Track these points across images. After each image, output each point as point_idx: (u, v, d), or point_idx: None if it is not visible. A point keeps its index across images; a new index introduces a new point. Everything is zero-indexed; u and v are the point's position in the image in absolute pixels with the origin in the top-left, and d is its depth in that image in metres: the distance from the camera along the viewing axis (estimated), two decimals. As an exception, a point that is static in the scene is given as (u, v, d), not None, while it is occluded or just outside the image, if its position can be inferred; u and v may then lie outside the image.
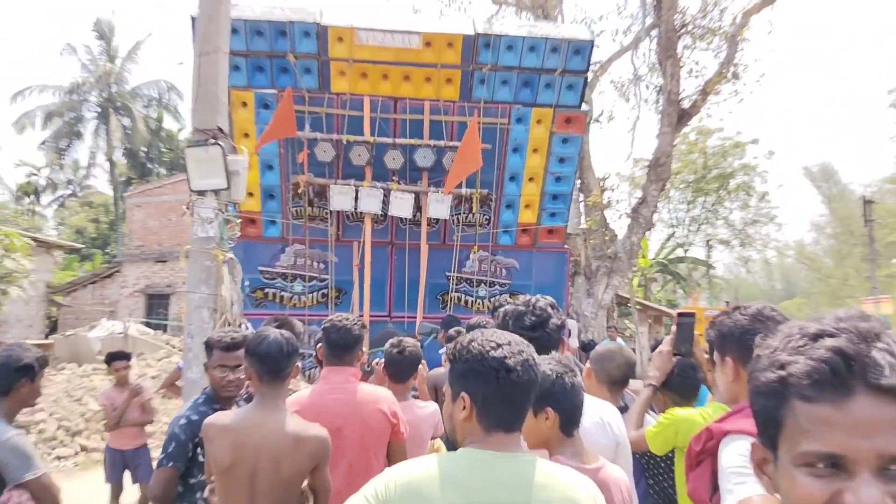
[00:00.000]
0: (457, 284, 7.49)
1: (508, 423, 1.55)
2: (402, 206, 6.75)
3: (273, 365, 2.47)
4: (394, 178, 6.87)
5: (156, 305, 21.80)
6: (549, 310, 2.24)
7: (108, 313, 20.52)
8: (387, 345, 3.56)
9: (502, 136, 7.06)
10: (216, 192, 4.01)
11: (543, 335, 2.18)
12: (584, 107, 7.15)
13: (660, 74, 14.79)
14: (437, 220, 7.22)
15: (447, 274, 7.45)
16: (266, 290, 7.33)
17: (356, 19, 6.54)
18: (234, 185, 4.08)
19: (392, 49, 6.64)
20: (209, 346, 3.03)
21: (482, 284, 7.54)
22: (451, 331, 4.67)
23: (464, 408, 1.55)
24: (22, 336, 15.64)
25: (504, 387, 1.53)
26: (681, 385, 2.74)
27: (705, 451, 1.67)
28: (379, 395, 3.10)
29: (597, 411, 2.15)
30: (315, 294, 7.38)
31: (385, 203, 6.82)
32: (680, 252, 29.53)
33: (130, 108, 33.75)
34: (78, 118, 34.08)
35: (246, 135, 6.87)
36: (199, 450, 2.85)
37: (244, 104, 6.83)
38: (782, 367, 0.89)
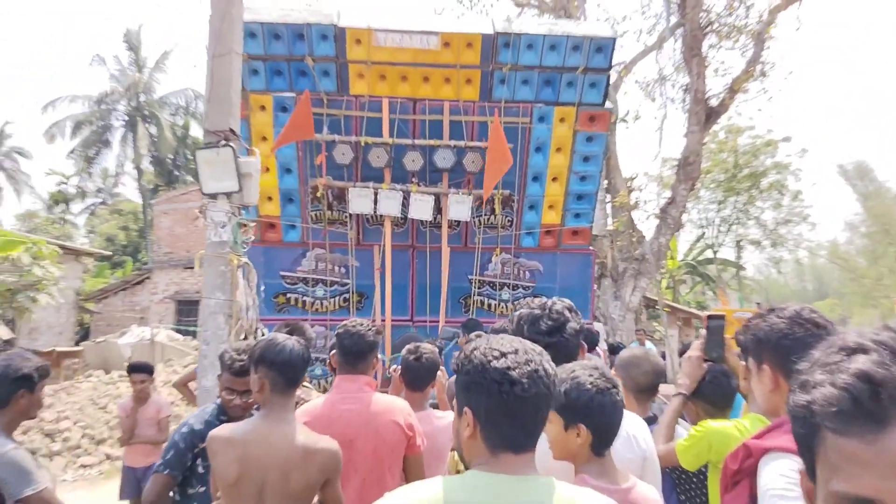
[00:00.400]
0: (479, 288, 7.35)
1: (517, 444, 1.37)
2: (421, 208, 6.63)
3: (292, 374, 2.38)
4: (413, 179, 6.76)
5: (185, 311, 21.97)
6: (567, 313, 2.08)
7: (138, 320, 20.73)
8: (403, 350, 3.43)
9: (524, 135, 6.91)
10: (228, 195, 3.92)
11: (561, 340, 2.02)
12: (607, 104, 6.98)
13: (685, 73, 14.54)
14: (459, 222, 7.10)
15: (469, 277, 7.31)
16: (288, 295, 7.26)
17: (374, 20, 6.44)
18: (247, 188, 3.99)
19: (410, 50, 6.53)
20: (222, 362, 3.00)
21: (505, 287, 7.38)
22: (472, 335, 4.52)
23: (468, 425, 1.38)
24: (52, 343, 15.82)
25: (508, 402, 1.34)
26: (713, 393, 2.55)
27: (742, 471, 1.51)
28: (394, 405, 2.98)
29: (622, 424, 1.99)
30: (337, 299, 7.29)
31: (405, 205, 6.71)
32: (709, 253, 29.01)
33: (158, 116, 34.22)
34: (106, 127, 34.64)
35: (264, 138, 6.81)
36: (198, 461, 2.81)
37: (262, 108, 6.78)
38: (809, 389, 0.77)
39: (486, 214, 7.18)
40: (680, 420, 2.59)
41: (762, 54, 14.22)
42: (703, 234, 28.85)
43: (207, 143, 4.00)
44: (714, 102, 14.06)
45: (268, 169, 6.91)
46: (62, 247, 15.05)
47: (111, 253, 26.03)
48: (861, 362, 0.73)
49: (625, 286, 14.66)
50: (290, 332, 3.02)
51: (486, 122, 6.70)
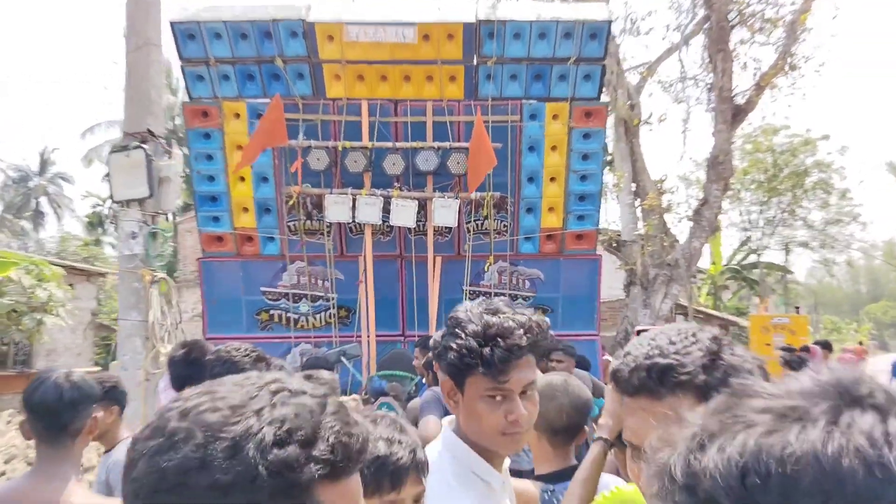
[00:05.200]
0: (474, 298, 6.81)
1: None
2: (403, 214, 6.15)
3: (49, 420, 1.87)
4: (396, 184, 6.29)
5: (215, 330, 21.88)
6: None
7: (165, 339, 20.74)
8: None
9: (515, 134, 6.39)
10: (140, 201, 3.51)
11: None
12: (603, 98, 6.44)
13: (711, 71, 13.84)
14: (449, 228, 6.59)
15: (463, 288, 6.79)
16: (271, 311, 6.86)
17: (344, 13, 6.02)
18: (164, 193, 3.58)
19: (386, 45, 6.09)
20: None
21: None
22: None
23: None
24: (71, 364, 15.77)
25: None
26: None
27: None
28: None
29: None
30: (322, 314, 6.86)
31: (386, 212, 6.24)
32: (754, 258, 27.81)
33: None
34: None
35: (239, 147, 6.45)
36: None
37: (237, 115, 6.43)
38: None
39: (478, 220, 6.67)
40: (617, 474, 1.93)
41: (794, 45, 13.43)
42: (749, 237, 27.69)
43: (121, 146, 3.60)
44: (741, 100, 13.32)
45: (243, 178, 6.56)
46: (72, 268, 14.99)
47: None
48: None
49: (655, 293, 13.95)
50: (187, 350, 2.56)
51: (473, 121, 6.21)
